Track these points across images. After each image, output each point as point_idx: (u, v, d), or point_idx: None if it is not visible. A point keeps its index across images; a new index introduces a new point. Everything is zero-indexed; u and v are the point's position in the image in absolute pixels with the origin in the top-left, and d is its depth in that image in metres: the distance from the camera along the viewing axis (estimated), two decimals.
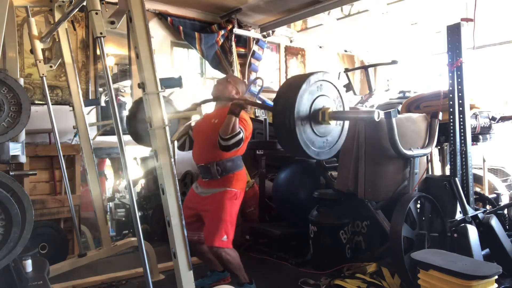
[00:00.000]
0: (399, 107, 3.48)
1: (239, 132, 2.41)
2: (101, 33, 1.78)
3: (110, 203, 4.16)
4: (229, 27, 4.74)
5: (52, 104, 2.91)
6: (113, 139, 3.86)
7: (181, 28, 4.39)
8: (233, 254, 2.59)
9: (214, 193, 2.61)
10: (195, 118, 2.82)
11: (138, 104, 2.95)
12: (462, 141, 2.78)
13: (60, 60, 3.02)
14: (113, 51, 4.13)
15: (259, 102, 4.90)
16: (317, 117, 1.81)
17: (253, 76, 5.02)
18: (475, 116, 3.10)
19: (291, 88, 1.84)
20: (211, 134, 2.48)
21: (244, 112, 2.59)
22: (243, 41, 5.03)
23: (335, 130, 1.95)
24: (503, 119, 3.35)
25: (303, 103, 1.76)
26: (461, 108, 2.76)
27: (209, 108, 2.93)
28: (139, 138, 2.97)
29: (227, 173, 2.61)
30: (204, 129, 2.68)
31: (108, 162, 4.25)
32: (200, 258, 2.86)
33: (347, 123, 2.02)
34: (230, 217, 2.57)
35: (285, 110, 1.74)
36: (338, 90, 1.96)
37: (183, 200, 2.56)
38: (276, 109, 1.82)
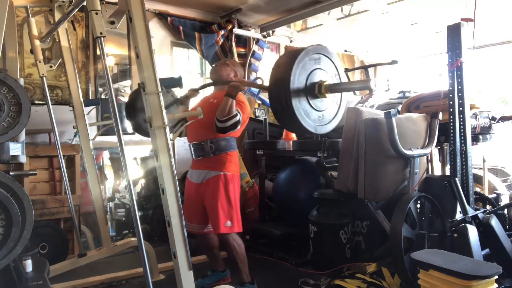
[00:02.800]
0: (399, 107, 3.48)
1: (236, 115, 2.40)
2: (101, 33, 1.78)
3: (110, 203, 4.15)
4: (229, 27, 4.74)
5: (52, 104, 2.91)
6: (113, 139, 3.86)
7: (181, 28, 4.39)
8: (239, 241, 2.61)
9: (208, 178, 2.59)
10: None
11: (136, 94, 2.95)
12: (462, 141, 2.78)
13: (60, 60, 3.02)
14: (113, 51, 4.13)
15: (259, 102, 4.91)
16: (313, 89, 1.81)
17: (253, 76, 5.02)
18: (475, 116, 3.10)
19: (289, 57, 1.84)
20: (208, 113, 2.41)
21: (243, 95, 2.59)
22: (243, 41, 5.03)
23: (332, 107, 1.97)
24: (503, 119, 3.35)
25: (300, 73, 1.77)
26: (461, 108, 2.76)
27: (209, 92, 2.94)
28: (139, 128, 2.96)
29: (220, 152, 2.58)
30: (203, 107, 2.67)
31: (108, 162, 4.24)
32: (207, 253, 2.87)
33: (344, 102, 2.01)
34: (228, 202, 2.55)
35: (281, 79, 1.74)
36: (336, 67, 1.96)
37: (183, 200, 2.56)
38: (273, 78, 1.81)
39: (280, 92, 1.75)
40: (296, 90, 1.75)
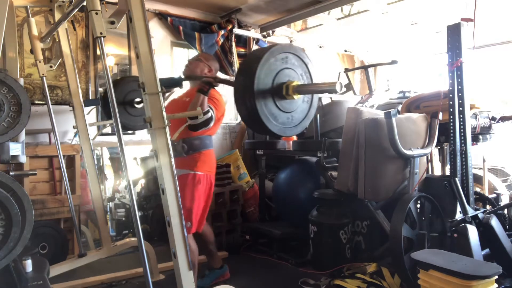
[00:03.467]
0: (399, 107, 3.48)
1: (208, 111, 2.31)
2: (101, 33, 1.78)
3: (110, 203, 4.15)
4: (229, 27, 4.74)
5: (52, 104, 2.91)
6: (113, 139, 3.86)
7: (181, 28, 4.39)
8: (194, 246, 2.49)
9: (179, 175, 2.45)
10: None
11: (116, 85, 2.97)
12: (462, 141, 2.78)
13: (60, 60, 3.02)
14: (113, 51, 4.13)
15: None
16: (280, 91, 1.73)
17: None
18: (475, 116, 3.10)
19: (253, 58, 1.76)
20: (178, 111, 2.31)
21: (216, 91, 2.52)
22: (243, 41, 5.03)
23: (302, 107, 1.87)
24: (503, 119, 3.35)
25: (265, 75, 1.69)
26: (461, 108, 2.76)
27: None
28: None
29: (193, 151, 2.51)
30: (175, 107, 2.60)
31: (108, 162, 4.24)
32: (203, 250, 2.79)
33: (315, 100, 1.93)
34: (189, 203, 2.44)
35: (245, 82, 1.67)
36: (306, 65, 1.87)
37: None
38: (237, 81, 1.74)
39: (245, 97, 1.68)
40: (261, 92, 1.69)
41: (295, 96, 1.77)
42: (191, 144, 2.50)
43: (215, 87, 2.41)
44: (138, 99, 3.09)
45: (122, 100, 3.08)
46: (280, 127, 1.78)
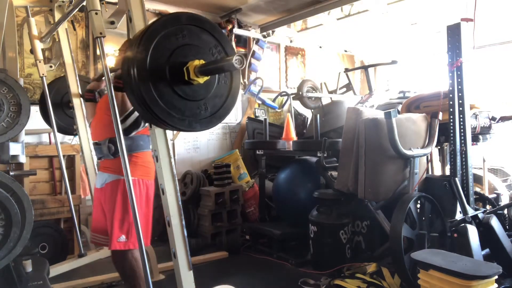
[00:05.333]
0: (399, 107, 3.48)
1: (133, 111, 2.04)
2: (101, 33, 1.78)
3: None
4: (229, 27, 4.74)
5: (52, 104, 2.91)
6: None
7: None
8: (139, 260, 2.11)
9: (107, 183, 2.17)
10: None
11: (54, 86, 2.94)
12: (462, 141, 2.78)
13: (60, 60, 3.02)
14: (113, 51, 4.12)
15: (259, 102, 4.90)
16: (181, 75, 1.40)
17: (253, 76, 5.02)
18: (475, 116, 3.10)
19: (133, 40, 1.41)
20: (108, 109, 1.93)
21: None
22: (243, 41, 5.03)
23: (219, 90, 1.52)
24: (503, 119, 3.35)
25: (155, 58, 1.34)
26: (461, 108, 2.76)
27: None
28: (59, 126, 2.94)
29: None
30: (103, 103, 2.28)
31: None
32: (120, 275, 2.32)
33: (236, 79, 1.58)
34: (122, 213, 2.11)
35: (128, 73, 1.34)
36: (214, 36, 1.50)
37: (182, 201, 2.51)
38: (122, 73, 1.40)
39: (133, 92, 1.35)
40: (152, 82, 1.34)
41: (201, 79, 1.43)
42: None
43: None
44: None
45: (60, 101, 3.04)
46: (189, 120, 1.44)
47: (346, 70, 5.02)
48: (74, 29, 3.61)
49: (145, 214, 2.20)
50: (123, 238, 2.11)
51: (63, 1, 2.73)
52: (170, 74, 1.40)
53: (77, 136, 3.00)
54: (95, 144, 2.25)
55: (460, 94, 2.75)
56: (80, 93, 2.94)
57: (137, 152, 2.18)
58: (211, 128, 1.60)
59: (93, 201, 2.50)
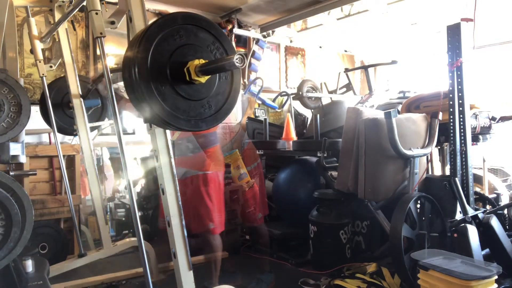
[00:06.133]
0: (399, 107, 3.48)
1: None
2: (101, 33, 1.78)
3: (110, 203, 4.15)
4: (229, 27, 4.74)
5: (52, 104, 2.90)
6: (113, 139, 3.86)
7: None
8: (217, 241, 2.58)
9: (188, 176, 2.50)
10: None
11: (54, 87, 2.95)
12: (462, 141, 2.78)
13: (60, 60, 3.01)
14: (113, 51, 4.12)
15: (259, 102, 4.90)
16: (182, 76, 1.42)
17: (253, 76, 5.02)
18: (475, 116, 3.10)
19: (132, 43, 1.41)
20: None
21: None
22: (243, 41, 5.03)
23: (220, 87, 1.53)
24: (503, 119, 3.35)
25: (154, 60, 1.34)
26: (461, 108, 2.76)
27: None
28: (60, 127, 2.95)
29: (198, 150, 2.50)
30: None
31: (108, 162, 4.24)
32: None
33: (237, 74, 1.59)
34: (207, 204, 2.48)
35: (129, 78, 1.35)
36: (211, 33, 1.50)
37: (182, 201, 2.54)
38: (123, 77, 1.41)
39: (137, 97, 1.37)
40: (156, 86, 1.35)
41: (203, 79, 1.44)
42: (196, 143, 2.49)
43: None
44: None
45: (60, 102, 3.05)
46: (195, 120, 1.45)
47: (346, 70, 5.02)
48: (74, 29, 3.61)
49: (223, 201, 2.59)
50: (211, 225, 2.49)
51: (63, 1, 2.73)
52: (172, 77, 1.40)
53: (77, 136, 2.99)
54: (172, 142, 2.39)
55: (460, 94, 2.75)
56: (80, 93, 2.94)
57: (211, 147, 2.52)
58: (216, 125, 1.64)
59: None
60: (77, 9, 2.36)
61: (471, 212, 2.60)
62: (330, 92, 4.96)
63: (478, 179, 3.59)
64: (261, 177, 2.73)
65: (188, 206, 2.50)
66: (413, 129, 2.82)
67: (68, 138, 3.65)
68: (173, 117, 1.39)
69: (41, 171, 3.42)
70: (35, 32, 2.80)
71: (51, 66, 2.93)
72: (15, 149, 2.10)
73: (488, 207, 3.12)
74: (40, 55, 2.80)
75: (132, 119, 4.13)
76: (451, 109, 2.79)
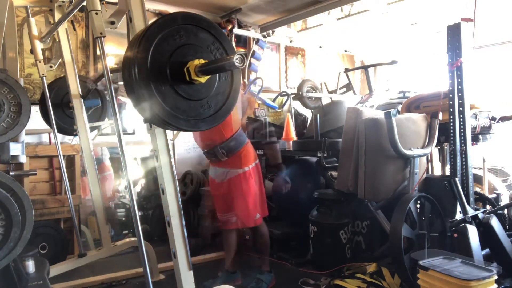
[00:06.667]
0: (399, 107, 3.48)
1: None
2: (101, 33, 1.78)
3: (110, 203, 4.15)
4: (229, 27, 4.74)
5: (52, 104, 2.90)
6: (113, 139, 3.86)
7: None
8: (265, 229, 2.92)
9: (228, 176, 2.73)
10: None
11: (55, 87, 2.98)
12: (462, 141, 2.78)
13: (60, 60, 3.01)
14: (113, 51, 4.13)
15: (259, 102, 4.90)
16: (182, 76, 1.41)
17: (253, 76, 5.02)
18: (475, 116, 3.10)
19: (132, 43, 1.41)
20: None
21: None
22: (243, 41, 5.03)
23: (220, 87, 1.52)
24: (503, 119, 3.35)
25: (154, 60, 1.34)
26: (461, 108, 2.76)
27: None
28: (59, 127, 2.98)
29: (233, 153, 2.67)
30: None
31: (108, 162, 4.24)
32: (225, 248, 2.96)
33: (237, 74, 1.60)
34: (251, 198, 2.73)
35: (129, 79, 1.36)
36: (211, 33, 1.50)
37: (182, 201, 2.55)
38: (123, 77, 1.41)
39: (138, 97, 1.37)
40: (156, 86, 1.35)
41: (203, 79, 1.43)
42: (229, 148, 2.66)
43: None
44: None
45: (60, 102, 3.06)
46: (195, 120, 1.45)
47: (346, 70, 5.02)
48: (74, 29, 3.61)
49: (262, 191, 2.85)
50: (257, 216, 2.79)
51: (63, 1, 2.73)
52: (172, 77, 1.40)
53: (77, 136, 2.99)
54: (206, 153, 2.78)
55: (460, 94, 2.75)
56: (80, 93, 2.94)
57: (242, 147, 2.70)
58: (215, 125, 1.64)
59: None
60: (77, 9, 2.36)
61: (471, 212, 2.60)
62: (330, 92, 4.96)
63: (478, 179, 3.59)
64: (260, 177, 2.81)
65: (235, 204, 2.74)
66: (413, 129, 2.82)
67: (68, 138, 3.65)
68: (173, 117, 1.39)
69: (41, 171, 3.42)
70: (35, 32, 2.80)
71: (51, 66, 2.93)
72: (15, 149, 2.10)
73: (488, 207, 3.12)
74: (40, 55, 2.80)
75: (132, 119, 4.14)
76: (451, 109, 2.79)
